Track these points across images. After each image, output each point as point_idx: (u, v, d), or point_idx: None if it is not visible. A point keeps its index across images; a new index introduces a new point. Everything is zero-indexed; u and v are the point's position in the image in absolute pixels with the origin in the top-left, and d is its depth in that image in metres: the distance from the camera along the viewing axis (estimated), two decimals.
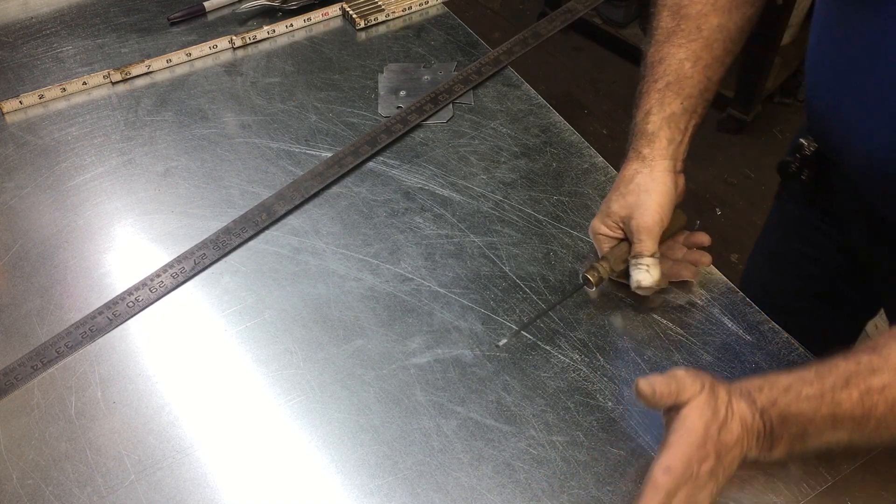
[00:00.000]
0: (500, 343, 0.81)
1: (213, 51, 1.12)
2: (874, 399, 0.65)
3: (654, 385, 0.68)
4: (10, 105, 1.03)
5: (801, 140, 0.94)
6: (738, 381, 0.70)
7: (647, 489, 0.65)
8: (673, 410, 0.68)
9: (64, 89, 1.05)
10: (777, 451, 0.68)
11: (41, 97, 1.04)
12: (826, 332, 0.99)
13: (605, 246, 0.84)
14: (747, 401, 0.68)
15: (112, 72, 1.07)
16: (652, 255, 0.81)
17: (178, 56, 1.10)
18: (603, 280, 0.83)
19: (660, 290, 0.83)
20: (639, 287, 0.81)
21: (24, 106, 1.04)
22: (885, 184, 0.81)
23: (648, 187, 0.81)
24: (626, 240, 0.83)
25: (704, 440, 0.67)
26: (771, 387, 0.68)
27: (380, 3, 1.18)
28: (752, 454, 0.69)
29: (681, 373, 0.69)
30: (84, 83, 1.06)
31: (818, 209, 1.00)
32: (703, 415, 0.67)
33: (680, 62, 0.84)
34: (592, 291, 0.84)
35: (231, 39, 1.12)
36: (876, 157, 0.80)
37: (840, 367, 0.67)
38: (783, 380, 0.68)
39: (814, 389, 0.66)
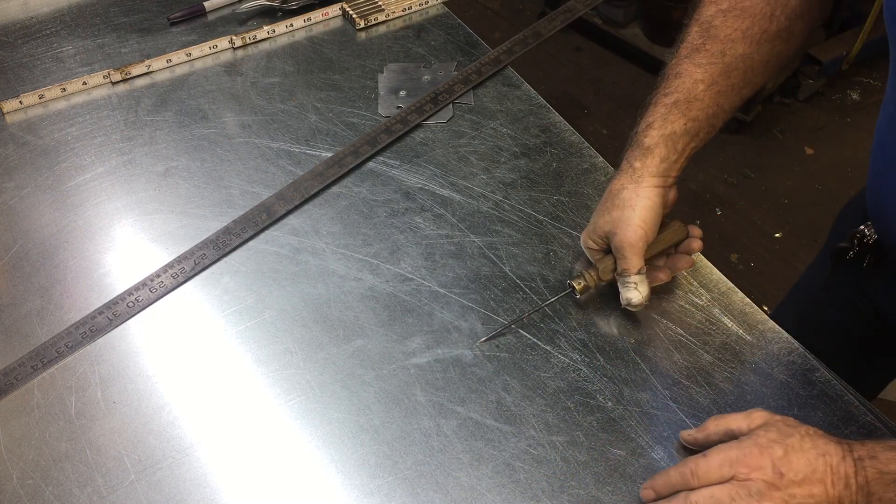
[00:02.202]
0: (479, 342, 0.82)
1: (213, 51, 1.12)
2: None
3: (695, 432, 0.73)
4: (9, 105, 1.03)
5: (862, 228, 0.90)
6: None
7: (674, 468, 0.68)
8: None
9: (64, 89, 1.05)
10: None
11: (41, 97, 1.04)
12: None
13: (595, 257, 0.85)
14: (836, 441, 0.66)
15: (112, 72, 1.07)
16: (638, 272, 0.80)
17: (178, 56, 1.10)
18: (590, 289, 0.83)
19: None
20: (629, 305, 0.82)
21: (24, 106, 1.04)
22: None
23: (633, 203, 0.80)
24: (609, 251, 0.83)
25: (762, 449, 0.65)
26: (874, 442, 0.65)
27: (380, 3, 1.18)
28: (844, 500, 0.64)
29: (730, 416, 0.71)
30: (84, 83, 1.06)
31: (861, 291, 0.97)
32: (768, 431, 0.66)
33: (695, 82, 0.82)
34: (579, 299, 0.85)
35: (231, 39, 1.12)
36: None
37: None
38: (888, 440, 0.65)
39: None
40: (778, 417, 0.69)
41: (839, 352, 0.92)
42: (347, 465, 0.74)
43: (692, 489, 0.66)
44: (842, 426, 0.76)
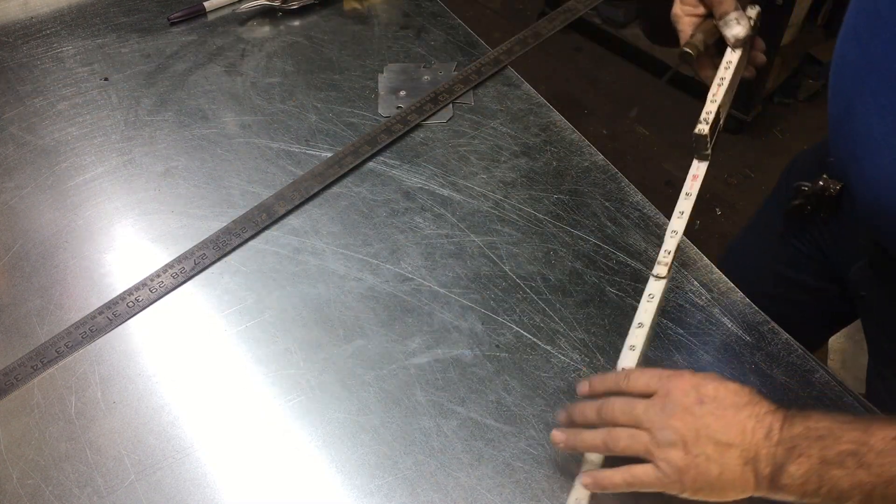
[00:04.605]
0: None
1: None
2: None
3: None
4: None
5: (821, 182, 0.91)
6: None
7: (615, 373, 0.71)
8: None
9: None
10: (795, 466, 0.60)
11: None
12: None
13: (689, 28, 0.89)
14: (770, 401, 0.65)
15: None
16: (736, 9, 0.86)
17: None
18: (700, 52, 0.88)
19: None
20: (737, 40, 0.87)
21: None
22: None
23: None
24: (706, 15, 0.88)
25: (695, 376, 0.66)
26: (811, 409, 0.64)
27: None
28: (764, 454, 0.62)
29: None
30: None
31: (814, 244, 0.99)
32: (712, 373, 0.67)
33: None
34: (688, 67, 0.90)
35: None
36: None
37: (890, 415, 0.63)
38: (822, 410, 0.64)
39: (850, 416, 0.62)
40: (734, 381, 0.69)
41: (790, 306, 0.94)
42: (347, 465, 0.74)
43: (617, 393, 0.69)
44: None
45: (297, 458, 0.75)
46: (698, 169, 0.86)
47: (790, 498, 0.62)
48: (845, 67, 0.82)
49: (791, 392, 0.79)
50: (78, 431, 0.76)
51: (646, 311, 0.78)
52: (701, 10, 0.88)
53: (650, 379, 0.68)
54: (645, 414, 0.65)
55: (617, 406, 0.67)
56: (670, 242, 0.82)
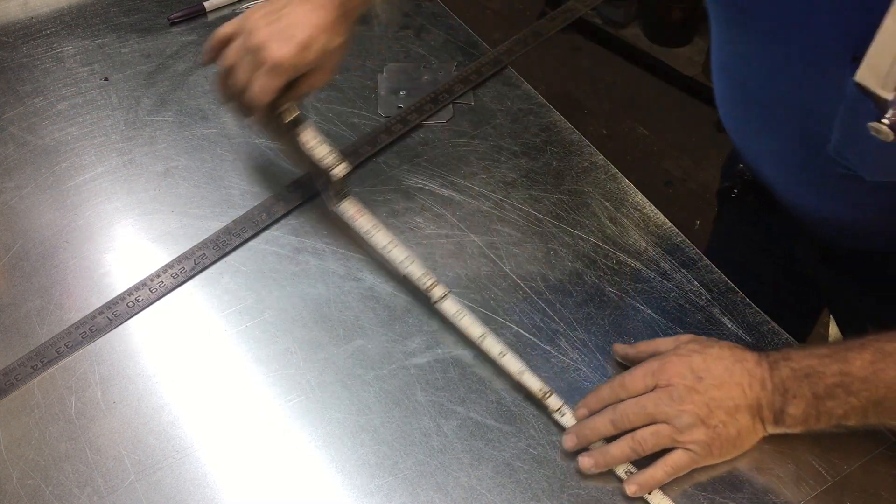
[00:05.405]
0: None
1: None
2: (886, 362, 0.64)
3: (628, 347, 0.77)
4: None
5: (741, 166, 0.95)
6: None
7: (605, 385, 0.74)
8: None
9: None
10: (793, 407, 0.67)
11: None
12: None
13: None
14: (752, 350, 0.70)
15: None
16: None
17: None
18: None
19: None
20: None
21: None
22: (800, 212, 0.84)
23: None
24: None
25: (681, 357, 0.71)
26: (787, 348, 0.70)
27: None
28: (765, 403, 0.68)
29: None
30: None
31: (762, 231, 1.00)
32: (688, 344, 0.72)
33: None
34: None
35: None
36: (777, 190, 0.83)
37: (859, 338, 0.67)
38: (800, 346, 0.70)
39: (827, 350, 0.67)
40: (702, 337, 0.74)
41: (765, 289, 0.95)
42: (347, 465, 0.74)
43: (621, 401, 0.71)
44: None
45: (297, 458, 0.75)
46: (354, 206, 0.84)
47: (797, 430, 0.69)
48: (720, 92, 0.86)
49: None
50: (78, 431, 0.76)
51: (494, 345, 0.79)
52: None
53: (643, 377, 0.71)
54: (657, 408, 0.69)
55: (630, 410, 0.70)
56: (414, 268, 0.82)
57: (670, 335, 0.82)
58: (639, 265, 0.88)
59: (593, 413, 0.73)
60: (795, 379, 0.67)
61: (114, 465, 0.74)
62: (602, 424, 0.71)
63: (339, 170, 0.80)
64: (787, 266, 1.01)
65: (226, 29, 0.82)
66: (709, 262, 0.89)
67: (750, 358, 0.70)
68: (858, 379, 0.65)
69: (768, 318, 0.84)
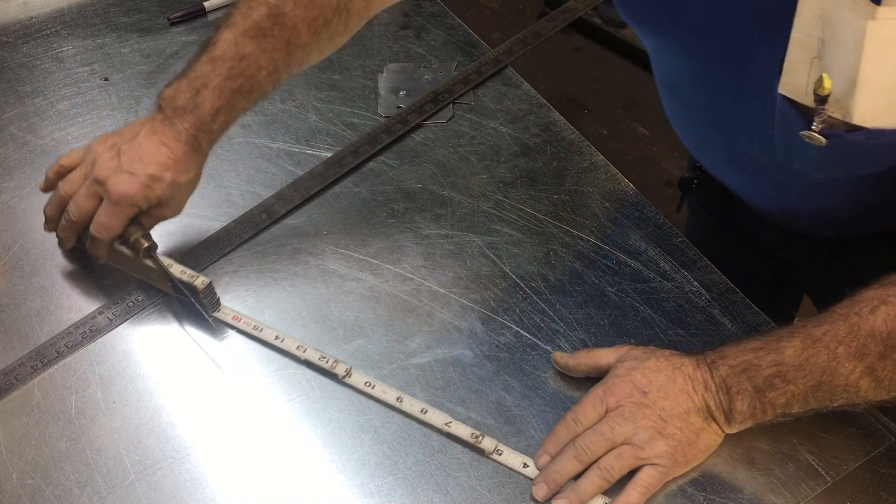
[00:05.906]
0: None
1: None
2: (816, 347, 0.65)
3: (567, 357, 0.77)
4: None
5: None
6: None
7: (558, 426, 0.73)
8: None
9: None
10: (739, 403, 0.68)
11: None
12: None
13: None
14: (689, 354, 0.71)
15: None
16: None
17: None
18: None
19: None
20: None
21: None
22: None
23: None
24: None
25: (621, 378, 0.71)
26: (721, 347, 0.71)
27: None
28: (713, 404, 0.69)
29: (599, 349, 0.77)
30: None
31: (730, 219, 1.01)
32: (625, 362, 0.73)
33: (259, 68, 0.79)
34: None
35: None
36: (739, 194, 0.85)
37: (788, 326, 0.69)
38: (733, 342, 0.71)
39: (759, 342, 0.69)
40: (638, 348, 0.74)
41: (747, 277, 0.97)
42: (347, 465, 0.74)
43: (578, 436, 0.71)
44: (841, 426, 0.76)
45: (297, 458, 0.75)
46: (230, 312, 0.83)
47: (750, 424, 0.70)
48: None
49: None
50: (78, 431, 0.76)
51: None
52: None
53: (593, 406, 0.71)
54: (613, 431, 0.69)
55: (588, 441, 0.70)
56: (311, 353, 0.80)
57: (670, 335, 0.83)
58: (639, 265, 0.88)
59: (552, 454, 0.72)
60: (734, 375, 0.68)
61: (113, 464, 0.74)
62: (567, 463, 0.70)
63: (199, 283, 0.80)
64: (758, 252, 1.02)
65: (70, 157, 0.82)
66: (708, 263, 0.89)
67: (688, 363, 0.71)
68: (793, 367, 0.66)
69: (768, 319, 0.84)
